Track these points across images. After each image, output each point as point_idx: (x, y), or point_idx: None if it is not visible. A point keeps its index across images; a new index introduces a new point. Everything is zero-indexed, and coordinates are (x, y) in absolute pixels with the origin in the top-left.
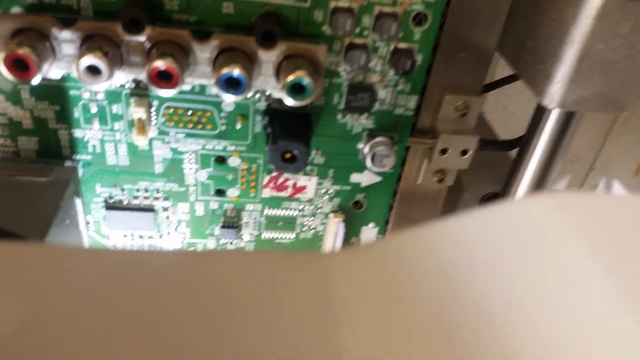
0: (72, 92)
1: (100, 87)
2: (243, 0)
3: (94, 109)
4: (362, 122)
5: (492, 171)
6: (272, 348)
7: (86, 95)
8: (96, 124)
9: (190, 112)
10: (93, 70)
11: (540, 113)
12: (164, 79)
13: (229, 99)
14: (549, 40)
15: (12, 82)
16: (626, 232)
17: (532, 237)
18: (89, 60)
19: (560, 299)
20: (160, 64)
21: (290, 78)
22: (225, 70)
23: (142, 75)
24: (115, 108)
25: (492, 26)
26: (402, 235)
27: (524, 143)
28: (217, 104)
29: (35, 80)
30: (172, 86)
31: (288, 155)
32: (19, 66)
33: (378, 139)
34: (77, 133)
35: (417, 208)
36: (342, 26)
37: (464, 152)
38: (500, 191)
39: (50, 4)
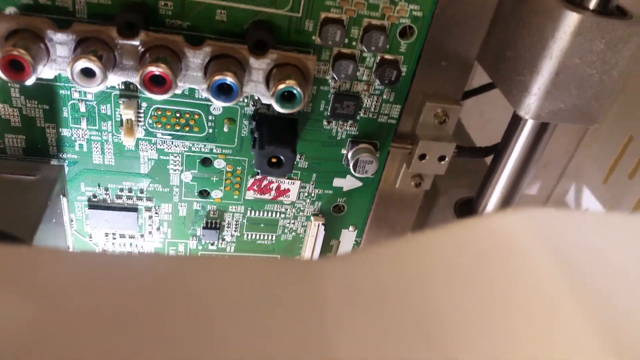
0: (61, 92)
1: (94, 89)
2: (236, 7)
3: (82, 109)
4: (346, 128)
5: (467, 176)
6: (264, 353)
7: (76, 95)
8: (84, 124)
9: (178, 115)
10: (87, 73)
11: (515, 122)
12: (157, 83)
13: (220, 105)
14: (527, 53)
15: (1, 80)
16: (596, 250)
17: (503, 253)
18: (83, 63)
19: (526, 311)
20: (154, 69)
21: (281, 86)
22: (217, 77)
23: (135, 79)
24: (104, 108)
25: (473, 36)
26: (388, 245)
27: (499, 151)
28: (206, 107)
29: (30, 81)
30: (165, 91)
31: (274, 160)
32: (14, 67)
33: (361, 146)
34: (65, 132)
35: (394, 211)
36: (331, 37)
37: (442, 158)
38: (475, 196)
39: (45, 5)
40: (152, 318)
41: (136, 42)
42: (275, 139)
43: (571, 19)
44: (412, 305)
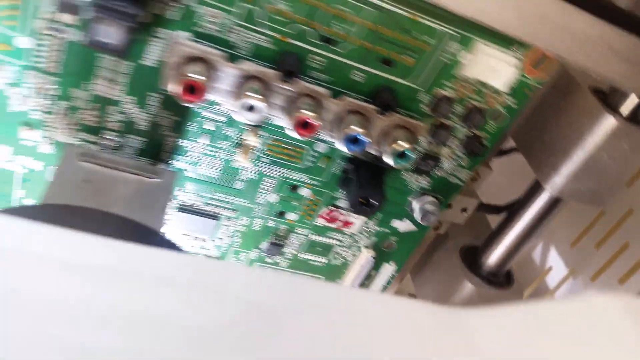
0: (195, 109)
1: (249, 120)
2: (372, 72)
3: (208, 127)
4: (420, 181)
5: (472, 226)
6: None
7: (206, 114)
8: (203, 139)
9: (288, 147)
10: (249, 107)
11: (534, 191)
12: (305, 127)
13: (348, 152)
14: (563, 139)
15: (141, 88)
16: None
17: (605, 337)
18: (253, 101)
19: None
20: (309, 116)
21: (399, 148)
22: (351, 131)
23: (283, 119)
24: (228, 130)
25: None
26: (525, 307)
27: (514, 212)
28: (312, 144)
29: (198, 105)
30: (310, 134)
31: (365, 201)
32: (189, 90)
33: (429, 198)
34: (184, 143)
35: None
36: (441, 110)
37: (464, 210)
38: (480, 245)
39: (217, 37)
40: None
41: (292, 88)
42: (372, 184)
43: (608, 122)
44: None
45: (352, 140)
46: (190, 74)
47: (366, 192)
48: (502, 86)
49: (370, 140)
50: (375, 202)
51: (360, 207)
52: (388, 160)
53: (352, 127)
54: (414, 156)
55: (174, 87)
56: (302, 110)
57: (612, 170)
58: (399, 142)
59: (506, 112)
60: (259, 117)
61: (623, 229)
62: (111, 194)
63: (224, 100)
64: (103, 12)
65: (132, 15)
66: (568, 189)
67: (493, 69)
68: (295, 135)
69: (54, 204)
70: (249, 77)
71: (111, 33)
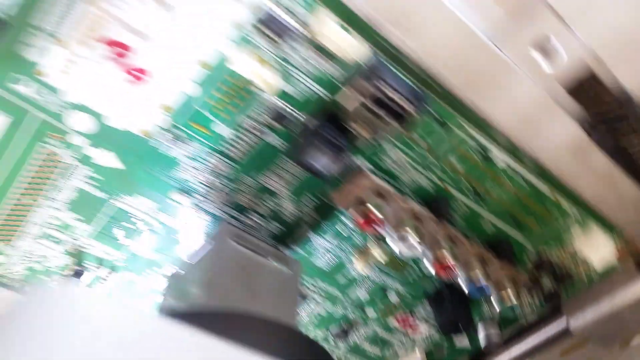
0: (337, 213)
1: (402, 253)
2: (500, 226)
3: (340, 230)
4: (492, 310)
5: None
6: None
7: (347, 221)
8: (332, 238)
9: (400, 262)
10: (403, 238)
11: (551, 318)
12: (442, 266)
13: (470, 295)
14: (597, 286)
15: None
16: None
17: None
18: (411, 238)
19: None
20: (450, 262)
21: (509, 303)
22: (481, 281)
23: (427, 259)
24: (357, 237)
25: None
26: None
27: (527, 329)
28: (419, 263)
29: (370, 233)
30: (447, 275)
31: (455, 326)
32: (367, 219)
33: (495, 328)
34: (312, 236)
35: None
36: (541, 267)
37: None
38: (484, 348)
39: (391, 172)
40: None
41: (438, 229)
42: (464, 310)
43: (635, 292)
44: None
45: (477, 287)
46: (373, 209)
47: (459, 318)
48: (596, 263)
49: (491, 288)
50: (465, 331)
51: (449, 328)
52: (495, 303)
53: (481, 278)
54: (518, 309)
55: (354, 215)
56: (446, 253)
57: (629, 325)
58: (511, 296)
59: (587, 281)
60: (412, 254)
61: (590, 347)
62: (258, 284)
63: (385, 228)
64: (318, 139)
65: (342, 148)
66: (587, 329)
67: (595, 248)
68: (431, 270)
69: (214, 311)
70: (408, 212)
71: (321, 159)
